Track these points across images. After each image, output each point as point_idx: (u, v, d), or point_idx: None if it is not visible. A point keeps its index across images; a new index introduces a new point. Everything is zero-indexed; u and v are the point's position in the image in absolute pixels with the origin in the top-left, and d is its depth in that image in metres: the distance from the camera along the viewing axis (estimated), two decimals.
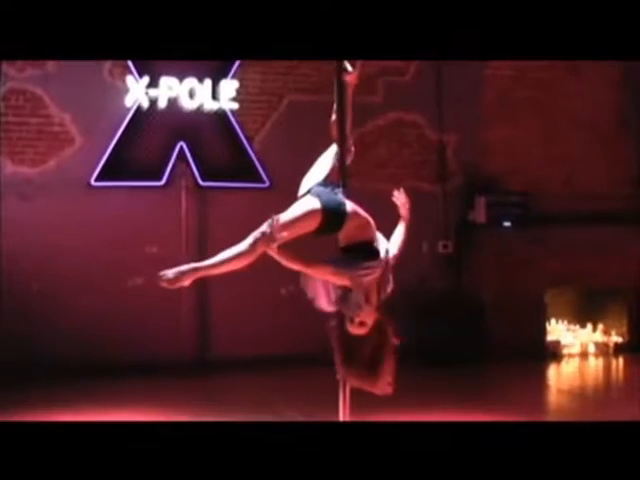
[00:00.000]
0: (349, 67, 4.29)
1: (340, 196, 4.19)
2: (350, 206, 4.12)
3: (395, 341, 4.06)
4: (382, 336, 4.06)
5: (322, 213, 4.05)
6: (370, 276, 4.05)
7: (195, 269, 4.01)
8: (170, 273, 3.93)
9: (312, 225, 4.08)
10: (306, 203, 4.15)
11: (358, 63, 4.24)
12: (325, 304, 4.18)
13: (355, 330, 4.01)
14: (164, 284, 3.90)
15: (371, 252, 4.09)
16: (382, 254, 4.15)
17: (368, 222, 4.15)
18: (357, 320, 4.00)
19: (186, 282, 4.00)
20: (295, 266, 4.03)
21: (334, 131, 4.34)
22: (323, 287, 4.17)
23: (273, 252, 3.94)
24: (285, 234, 3.96)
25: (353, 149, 4.43)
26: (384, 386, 4.01)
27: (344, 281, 4.03)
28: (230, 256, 4.15)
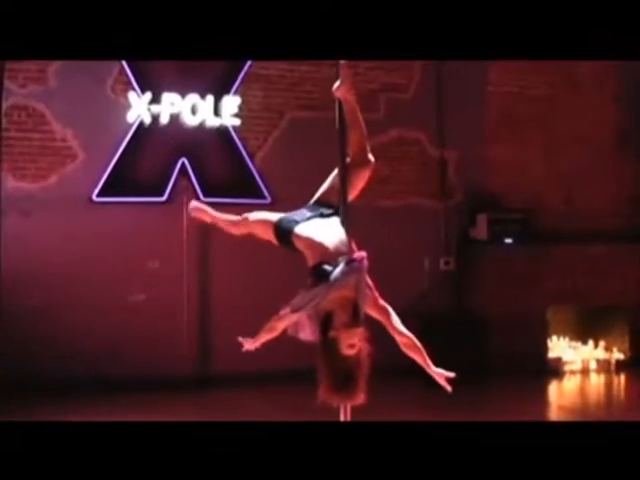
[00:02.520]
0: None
1: (304, 215, 4.34)
2: (305, 226, 4.24)
3: (368, 348, 3.97)
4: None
5: (274, 227, 4.46)
6: (314, 302, 3.95)
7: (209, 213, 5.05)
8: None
9: (269, 234, 4.50)
10: (272, 214, 4.62)
11: (346, 77, 4.21)
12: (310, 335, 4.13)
13: (346, 352, 3.90)
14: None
15: (322, 275, 4.00)
16: (335, 275, 3.97)
17: (316, 244, 4.12)
18: (343, 344, 3.88)
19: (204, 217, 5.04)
20: (269, 337, 4.59)
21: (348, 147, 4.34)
22: (307, 320, 4.14)
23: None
24: (254, 226, 4.69)
25: (373, 159, 4.34)
26: (358, 396, 3.93)
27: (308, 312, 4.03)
28: (230, 220, 4.96)
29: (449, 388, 4.20)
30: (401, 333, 4.23)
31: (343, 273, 3.97)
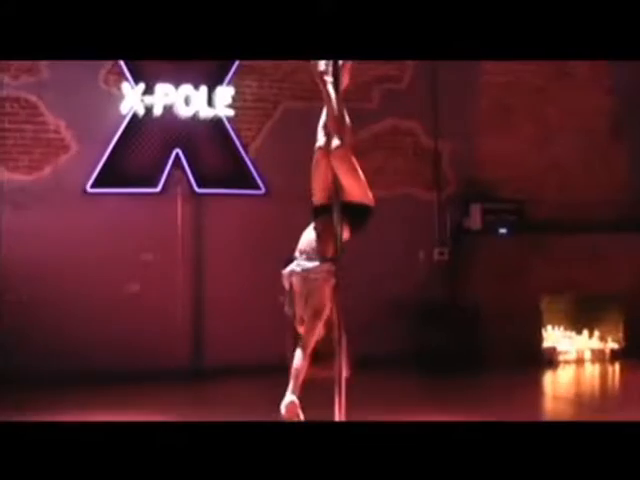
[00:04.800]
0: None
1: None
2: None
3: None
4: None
5: None
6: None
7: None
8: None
9: None
10: None
11: (311, 67, 4.34)
12: None
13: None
14: None
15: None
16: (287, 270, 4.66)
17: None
18: None
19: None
20: None
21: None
22: None
23: None
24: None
25: (336, 144, 4.36)
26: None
27: None
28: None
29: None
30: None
31: (284, 273, 4.62)
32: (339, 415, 4.13)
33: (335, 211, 4.26)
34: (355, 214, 4.38)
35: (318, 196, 4.46)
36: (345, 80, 4.47)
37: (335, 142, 4.29)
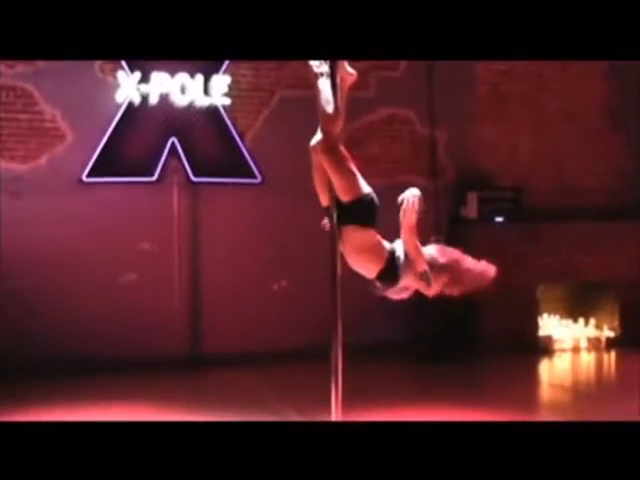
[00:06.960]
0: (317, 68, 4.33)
1: None
2: None
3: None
4: None
5: None
6: None
7: None
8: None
9: None
10: None
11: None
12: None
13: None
14: None
15: None
16: None
17: None
18: None
19: None
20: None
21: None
22: None
23: None
24: None
25: (317, 143, 4.27)
26: None
27: None
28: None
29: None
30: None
31: None
32: (336, 414, 4.12)
33: (330, 213, 4.17)
34: (359, 212, 4.29)
35: (321, 198, 4.36)
36: (346, 75, 4.40)
37: (318, 137, 4.20)
